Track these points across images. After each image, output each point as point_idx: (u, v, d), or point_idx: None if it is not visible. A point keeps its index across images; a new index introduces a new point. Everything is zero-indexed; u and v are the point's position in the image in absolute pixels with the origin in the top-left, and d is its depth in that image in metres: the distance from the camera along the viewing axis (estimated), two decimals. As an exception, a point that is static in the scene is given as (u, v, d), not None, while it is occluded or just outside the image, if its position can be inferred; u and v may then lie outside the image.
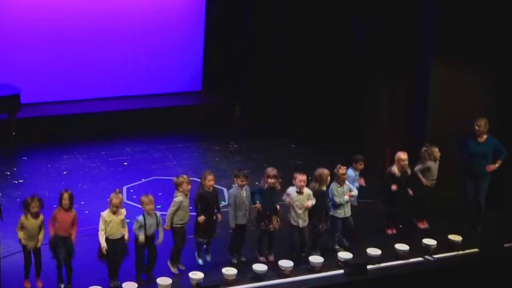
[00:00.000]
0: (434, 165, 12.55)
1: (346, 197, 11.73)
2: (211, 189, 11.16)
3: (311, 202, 11.37)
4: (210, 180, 11.12)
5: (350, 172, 12.12)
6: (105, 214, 10.48)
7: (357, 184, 12.14)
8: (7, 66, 16.14)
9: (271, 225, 11.37)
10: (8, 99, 15.00)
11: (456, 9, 13.36)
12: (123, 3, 17.08)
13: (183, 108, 17.39)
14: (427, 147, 12.58)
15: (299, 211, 11.36)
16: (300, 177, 11.37)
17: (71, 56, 16.74)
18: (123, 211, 10.62)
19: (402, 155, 12.31)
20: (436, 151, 12.53)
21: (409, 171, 12.40)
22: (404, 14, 14.17)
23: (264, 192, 11.35)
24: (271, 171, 11.38)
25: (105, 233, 10.41)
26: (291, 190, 11.43)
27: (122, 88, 17.43)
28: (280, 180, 11.73)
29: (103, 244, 10.39)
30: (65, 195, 10.34)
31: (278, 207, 11.44)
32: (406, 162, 12.31)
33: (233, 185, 11.40)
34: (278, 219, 11.43)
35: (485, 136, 12.60)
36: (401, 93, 14.59)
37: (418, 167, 12.58)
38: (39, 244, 10.36)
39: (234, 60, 17.90)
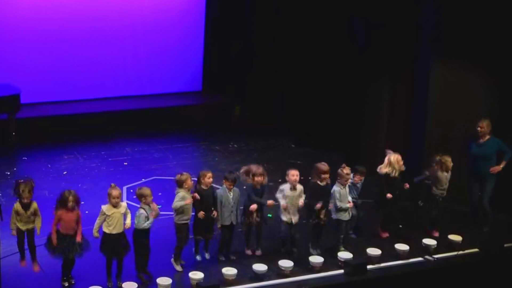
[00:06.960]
0: (443, 175, 12.25)
1: (348, 205, 11.62)
2: (208, 186, 11.18)
3: (302, 199, 11.41)
4: (209, 178, 11.16)
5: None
6: (105, 207, 10.49)
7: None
8: (7, 66, 16.15)
9: (257, 220, 11.45)
10: (8, 99, 14.99)
11: (456, 9, 13.36)
12: (123, 3, 17.08)
13: (183, 108, 17.39)
14: (440, 157, 12.21)
15: (292, 208, 11.37)
16: (293, 172, 11.42)
17: (71, 56, 16.75)
18: (124, 204, 10.63)
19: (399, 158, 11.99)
20: (449, 161, 12.18)
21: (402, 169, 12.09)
22: (404, 14, 14.17)
23: (253, 190, 11.39)
24: (257, 169, 11.41)
25: (99, 226, 10.45)
26: (285, 187, 11.45)
27: (122, 88, 17.44)
28: (280, 180, 11.71)
29: (95, 233, 10.45)
30: (70, 197, 10.33)
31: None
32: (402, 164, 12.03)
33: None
34: (261, 214, 11.50)
35: (487, 137, 12.53)
36: (401, 93, 14.59)
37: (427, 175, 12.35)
38: (31, 226, 10.44)
39: (234, 60, 17.91)
